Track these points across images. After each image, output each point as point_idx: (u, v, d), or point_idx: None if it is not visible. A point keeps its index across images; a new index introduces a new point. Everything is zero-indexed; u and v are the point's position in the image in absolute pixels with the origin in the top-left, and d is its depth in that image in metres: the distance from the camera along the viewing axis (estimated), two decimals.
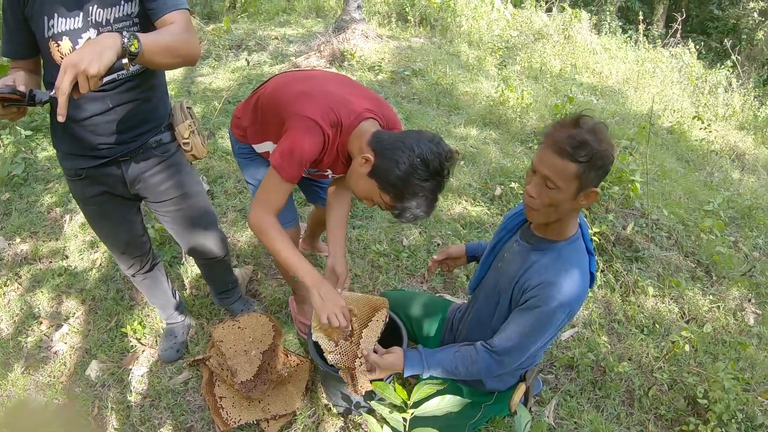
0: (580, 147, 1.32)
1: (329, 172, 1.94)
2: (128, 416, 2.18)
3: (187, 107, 1.93)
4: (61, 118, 1.22)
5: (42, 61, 1.66)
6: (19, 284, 2.84)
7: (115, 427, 2.15)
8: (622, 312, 2.80)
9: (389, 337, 1.96)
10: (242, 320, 2.24)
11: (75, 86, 1.22)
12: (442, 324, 2.15)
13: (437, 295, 2.82)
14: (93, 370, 2.37)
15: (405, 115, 4.65)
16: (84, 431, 2.15)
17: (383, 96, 4.94)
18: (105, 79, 1.29)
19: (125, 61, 1.30)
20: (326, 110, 1.67)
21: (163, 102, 1.87)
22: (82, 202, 1.92)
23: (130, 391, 2.28)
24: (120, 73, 1.63)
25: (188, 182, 2.00)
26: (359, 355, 1.74)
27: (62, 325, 2.60)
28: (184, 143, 1.91)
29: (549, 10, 9.10)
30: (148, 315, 2.63)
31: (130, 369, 2.38)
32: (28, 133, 3.96)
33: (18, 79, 1.46)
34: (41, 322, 2.63)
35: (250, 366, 2.04)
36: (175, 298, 2.42)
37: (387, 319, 1.90)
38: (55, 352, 2.49)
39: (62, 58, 1.54)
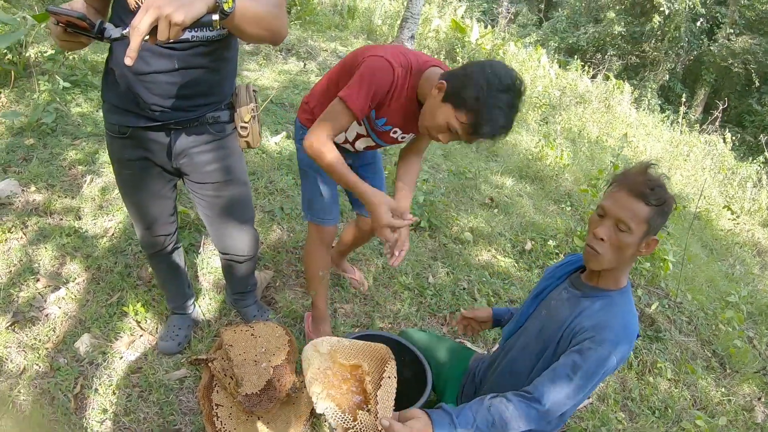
0: (656, 190, 1.39)
1: (397, 131, 1.89)
2: (113, 403, 1.96)
3: (254, 90, 1.78)
4: (129, 61, 1.03)
5: (112, 2, 1.49)
6: (24, 234, 2.64)
7: (96, 411, 1.93)
8: (638, 390, 2.66)
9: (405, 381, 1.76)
10: (257, 327, 2.03)
11: (152, 31, 1.05)
12: (463, 374, 1.99)
13: (457, 341, 2.62)
14: (83, 343, 2.15)
15: (444, 151, 4.53)
16: (59, 409, 1.92)
17: None
18: (182, 36, 1.12)
19: (215, 17, 1.13)
20: (396, 53, 1.69)
21: (230, 78, 1.70)
22: (118, 163, 1.74)
23: (120, 375, 2.06)
24: (196, 34, 1.47)
25: (236, 169, 1.83)
26: (380, 428, 1.31)
27: (60, 288, 2.39)
28: (242, 127, 1.75)
29: (594, 76, 9.10)
30: (153, 299, 2.42)
31: (124, 352, 2.16)
32: (67, 85, 3.81)
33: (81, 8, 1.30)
34: (38, 280, 2.42)
35: (258, 379, 1.83)
36: (188, 288, 2.22)
37: (395, 374, 1.52)
38: (47, 315, 2.27)
39: (137, 3, 1.38)
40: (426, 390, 1.77)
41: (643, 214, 1.40)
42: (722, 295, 3.82)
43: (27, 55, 3.97)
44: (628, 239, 1.42)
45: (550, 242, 3.62)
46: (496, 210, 3.92)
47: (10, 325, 2.19)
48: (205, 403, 1.87)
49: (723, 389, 2.89)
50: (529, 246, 3.62)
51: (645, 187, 1.40)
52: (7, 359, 2.08)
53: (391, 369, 1.50)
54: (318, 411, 1.30)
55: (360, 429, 1.28)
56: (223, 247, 2.01)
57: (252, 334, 2.00)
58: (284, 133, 4.02)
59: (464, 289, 3.00)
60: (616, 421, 2.43)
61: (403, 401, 1.76)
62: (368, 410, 1.34)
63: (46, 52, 4.10)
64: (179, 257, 2.11)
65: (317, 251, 2.17)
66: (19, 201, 2.82)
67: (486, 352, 2.24)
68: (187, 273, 2.20)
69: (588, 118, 7.05)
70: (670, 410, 2.60)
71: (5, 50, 3.78)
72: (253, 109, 1.74)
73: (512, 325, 1.79)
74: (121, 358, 2.14)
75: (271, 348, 1.96)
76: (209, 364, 1.93)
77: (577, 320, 1.51)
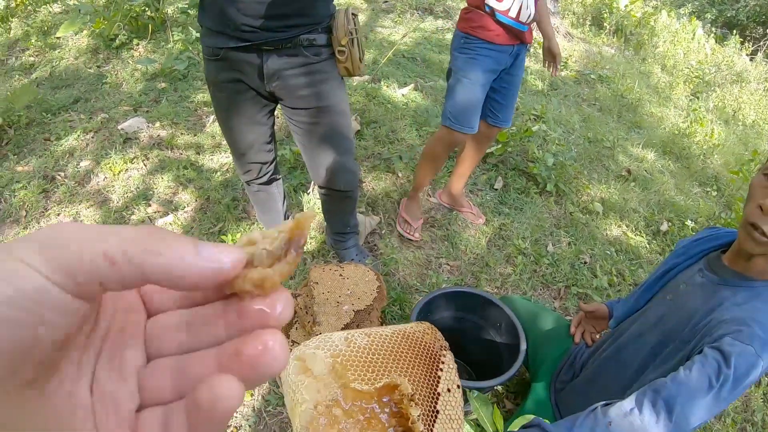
0: None
1: None
2: None
3: (353, 14, 1.61)
4: None
5: None
6: (145, 165, 2.71)
7: None
8: (761, 414, 2.11)
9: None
10: (347, 269, 1.86)
11: None
12: (563, 355, 1.67)
13: (567, 318, 2.28)
14: None
15: (583, 117, 4.07)
16: None
17: (564, 94, 4.39)
18: None
19: None
20: None
21: (327, 0, 1.54)
22: (214, 86, 1.66)
23: None
24: None
25: (332, 95, 1.66)
26: None
27: (168, 215, 2.41)
28: (339, 51, 1.59)
29: (754, 54, 7.85)
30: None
31: None
32: (199, 35, 3.92)
33: None
34: (150, 205, 2.46)
35: (336, 320, 1.66)
36: (284, 221, 2.11)
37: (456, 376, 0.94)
38: None
39: None
40: (516, 362, 1.49)
41: None
42: None
43: (164, 9, 4.13)
44: None
45: (689, 223, 3.09)
46: (633, 184, 3.44)
47: None
48: None
49: None
50: (665, 227, 3.11)
51: None
52: None
53: (448, 370, 0.88)
54: None
55: None
56: (319, 178, 1.86)
57: (340, 275, 1.83)
58: (412, 86, 3.82)
59: (585, 263, 2.62)
60: None
61: (487, 373, 1.53)
62: None
63: (180, 5, 4.26)
64: (277, 189, 2.00)
65: (438, 148, 2.21)
66: (144, 135, 2.91)
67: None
68: (284, 207, 2.09)
69: (745, 99, 6.06)
70: None
71: (144, 6, 3.95)
72: (351, 32, 1.58)
73: (627, 307, 1.45)
74: None
75: (357, 292, 1.78)
76: (295, 299, 1.81)
77: (713, 315, 1.13)
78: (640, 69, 5.76)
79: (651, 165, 3.81)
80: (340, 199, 1.94)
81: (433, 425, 0.76)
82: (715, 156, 4.28)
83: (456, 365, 0.92)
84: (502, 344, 1.69)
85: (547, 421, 0.98)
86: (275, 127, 1.85)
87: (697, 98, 4.99)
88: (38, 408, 0.21)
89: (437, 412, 0.79)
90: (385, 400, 0.75)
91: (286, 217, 2.10)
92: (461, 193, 2.55)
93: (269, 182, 1.94)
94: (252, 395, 1.75)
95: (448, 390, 0.84)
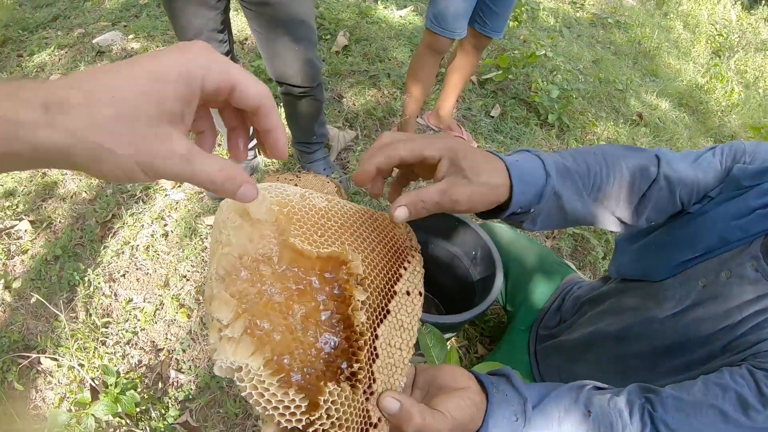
0: None
1: None
2: (135, 237, 1.67)
3: None
4: None
5: None
6: None
7: (118, 241, 1.65)
8: None
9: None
10: (303, 178, 1.58)
11: None
12: (549, 296, 1.35)
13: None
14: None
15: (595, 58, 3.71)
16: (87, 235, 1.67)
17: (578, 33, 4.02)
18: None
19: None
20: None
21: None
22: None
23: (154, 213, 1.76)
24: None
25: None
26: (377, 416, 0.52)
27: None
28: None
29: None
30: (219, 144, 2.09)
31: (169, 191, 1.85)
32: None
33: None
34: None
35: None
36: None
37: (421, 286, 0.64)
38: None
39: None
40: (488, 296, 1.21)
41: None
42: None
43: None
44: None
45: None
46: (644, 129, 3.11)
47: None
48: None
49: None
50: None
51: None
52: (60, 184, 1.88)
53: (413, 272, 0.63)
54: (216, 371, 0.46)
55: (325, 426, 0.47)
56: (275, 72, 1.58)
57: (296, 185, 1.56)
58: (411, 7, 3.47)
59: None
60: None
61: (458, 310, 1.19)
62: (352, 374, 0.50)
63: None
64: None
65: (425, 58, 1.94)
66: (117, 48, 2.64)
67: (589, 278, 1.51)
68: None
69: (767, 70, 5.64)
70: None
71: None
72: None
73: (635, 266, 1.01)
74: (166, 196, 1.83)
75: None
76: None
77: (763, 324, 0.76)
78: (661, 23, 5.33)
79: (664, 114, 3.47)
80: (298, 98, 1.66)
81: (378, 325, 0.53)
82: (734, 115, 3.94)
83: (423, 271, 0.65)
84: (476, 277, 1.42)
85: (519, 374, 0.69)
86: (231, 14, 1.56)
87: (719, 57, 4.59)
88: (171, 137, 0.35)
89: (388, 312, 0.56)
90: (327, 276, 0.53)
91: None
92: (450, 114, 2.25)
93: None
94: (189, 317, 1.50)
95: (407, 293, 0.59)
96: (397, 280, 0.59)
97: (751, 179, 0.83)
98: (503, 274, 1.29)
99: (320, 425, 0.45)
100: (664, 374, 0.87)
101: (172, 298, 1.53)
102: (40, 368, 1.41)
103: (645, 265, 0.96)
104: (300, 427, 0.44)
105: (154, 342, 1.46)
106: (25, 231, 1.73)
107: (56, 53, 2.64)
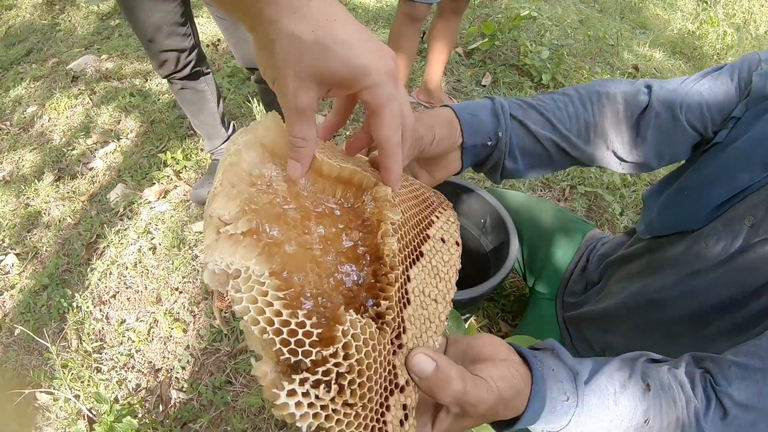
0: None
1: None
2: (121, 254, 1.55)
3: None
4: None
5: None
6: (91, 99, 2.33)
7: (105, 261, 1.54)
8: None
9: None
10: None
11: None
12: (572, 257, 1.18)
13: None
14: (116, 193, 1.77)
15: (581, 18, 3.56)
16: (73, 259, 1.56)
17: None
18: None
19: None
20: None
21: None
22: None
23: (140, 228, 1.64)
24: None
25: None
26: (398, 376, 0.39)
27: (110, 143, 2.03)
28: None
29: None
30: (201, 148, 1.97)
31: (154, 203, 1.74)
32: None
33: None
34: (91, 136, 2.08)
35: None
36: (224, 126, 1.71)
37: (461, 242, 0.52)
38: (91, 168, 1.93)
39: None
40: (504, 265, 1.07)
41: None
42: None
43: None
44: None
45: None
46: (641, 78, 2.96)
47: (55, 181, 1.88)
48: None
49: None
50: None
51: None
52: (45, 212, 1.77)
53: (447, 222, 0.53)
54: (207, 278, 0.34)
55: (341, 369, 0.33)
56: (243, 57, 1.47)
57: None
58: None
59: None
60: None
61: (472, 285, 1.03)
62: (378, 315, 0.38)
63: None
64: (208, 86, 1.60)
65: (404, 28, 1.81)
66: (91, 70, 2.53)
67: (610, 235, 1.29)
68: (220, 108, 1.68)
69: (755, 11, 5.47)
70: None
71: None
72: None
73: (666, 219, 0.83)
74: (151, 208, 1.71)
75: None
76: None
77: None
78: None
79: (660, 64, 3.31)
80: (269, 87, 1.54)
81: (411, 266, 0.42)
82: (730, 58, 3.78)
83: (459, 224, 0.55)
84: (489, 247, 1.28)
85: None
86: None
87: (706, 3, 4.43)
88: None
89: (421, 254, 0.44)
90: (349, 205, 0.44)
91: (224, 122, 1.69)
92: (439, 87, 2.11)
93: (194, 77, 1.54)
94: (185, 331, 1.38)
95: (442, 240, 0.49)
96: (430, 225, 0.49)
97: None
98: (518, 239, 1.16)
99: (334, 365, 0.32)
100: (716, 337, 0.72)
101: (166, 313, 1.41)
102: (36, 404, 1.30)
103: (678, 215, 0.80)
104: (308, 362, 0.32)
105: (151, 362, 1.34)
106: (12, 265, 1.63)
107: (32, 85, 2.55)
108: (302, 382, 0.31)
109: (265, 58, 0.37)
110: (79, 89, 2.39)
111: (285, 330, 0.31)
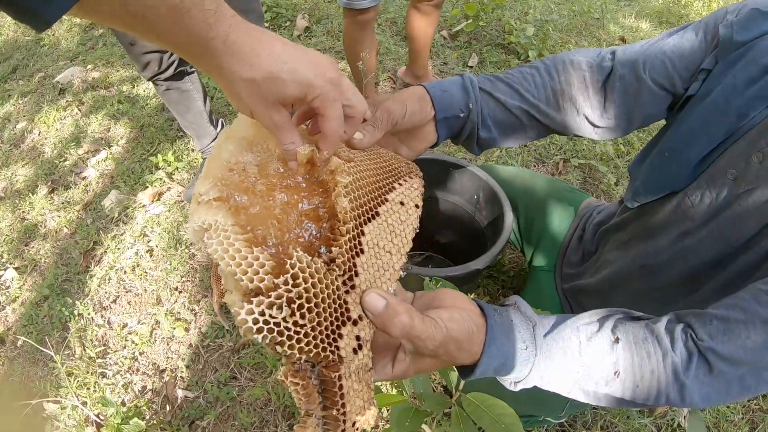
0: None
1: None
2: (119, 259, 1.53)
3: None
4: None
5: None
6: (79, 110, 2.31)
7: (103, 268, 1.51)
8: None
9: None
10: None
11: None
12: (568, 228, 1.15)
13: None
14: (110, 200, 1.74)
15: None
16: (72, 269, 1.54)
17: None
18: None
19: None
20: None
21: None
22: None
23: (136, 231, 1.62)
24: None
25: None
26: (350, 310, 0.45)
27: (101, 151, 2.01)
28: None
29: None
30: (192, 149, 1.94)
31: (148, 206, 1.72)
32: None
33: None
34: (82, 146, 2.06)
35: None
36: (213, 125, 1.68)
37: (420, 205, 0.58)
38: (84, 177, 1.90)
39: None
40: (500, 238, 1.05)
41: None
42: None
43: None
44: None
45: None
46: None
47: (49, 193, 1.85)
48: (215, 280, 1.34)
49: None
50: None
51: None
52: (41, 224, 1.75)
53: (410, 188, 0.58)
54: (189, 234, 0.44)
55: (290, 294, 0.40)
56: None
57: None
58: None
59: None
60: None
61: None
62: (330, 260, 0.45)
63: None
64: (194, 86, 1.57)
65: (356, 34, 1.71)
66: (78, 81, 2.50)
67: (605, 203, 1.24)
68: (208, 107, 1.65)
69: None
70: None
71: None
72: None
73: (650, 183, 0.80)
74: (146, 212, 1.69)
75: None
76: None
77: None
78: None
79: (647, 34, 3.27)
80: None
81: (365, 223, 0.50)
82: None
83: (423, 191, 0.61)
84: (484, 223, 1.26)
85: (540, 311, 0.57)
86: None
87: None
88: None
89: (377, 213, 0.52)
90: (314, 176, 0.53)
91: (212, 120, 1.67)
92: (427, 67, 2.07)
93: (178, 77, 1.51)
94: (187, 330, 1.36)
95: (401, 203, 0.56)
96: (391, 190, 0.57)
97: (743, 30, 0.66)
98: (512, 210, 1.13)
99: (285, 291, 0.40)
100: (709, 300, 0.67)
101: (167, 314, 1.39)
102: (44, 414, 1.28)
103: (662, 178, 0.78)
104: (262, 287, 0.39)
105: (155, 364, 1.32)
106: (12, 279, 1.61)
107: (20, 101, 2.52)
108: (258, 303, 0.38)
109: (236, 100, 0.46)
110: (67, 101, 2.36)
111: (243, 262, 0.39)
